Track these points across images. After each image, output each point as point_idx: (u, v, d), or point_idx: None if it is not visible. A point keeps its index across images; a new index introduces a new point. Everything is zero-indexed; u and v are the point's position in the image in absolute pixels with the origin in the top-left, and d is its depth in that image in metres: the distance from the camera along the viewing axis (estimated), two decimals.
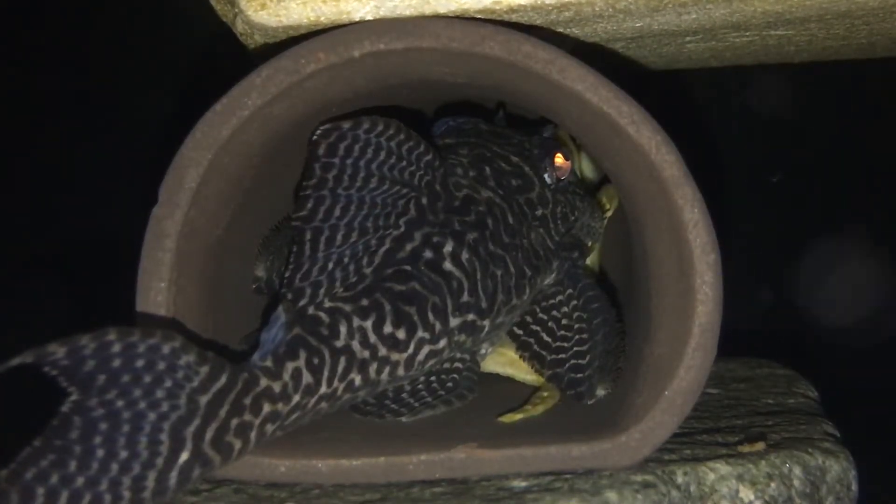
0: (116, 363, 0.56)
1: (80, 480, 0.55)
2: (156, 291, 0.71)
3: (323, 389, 0.66)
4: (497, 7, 0.72)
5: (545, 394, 0.83)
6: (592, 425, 0.73)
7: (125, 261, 0.74)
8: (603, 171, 0.95)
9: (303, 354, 0.65)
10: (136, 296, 0.72)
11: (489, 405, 0.80)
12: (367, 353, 0.69)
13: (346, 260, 0.70)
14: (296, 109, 0.74)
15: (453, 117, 0.91)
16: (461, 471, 0.71)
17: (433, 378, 0.77)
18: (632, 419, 0.71)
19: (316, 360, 0.66)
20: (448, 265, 0.74)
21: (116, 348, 0.56)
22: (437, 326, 0.73)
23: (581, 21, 0.79)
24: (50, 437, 0.56)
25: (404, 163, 0.72)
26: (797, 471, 0.74)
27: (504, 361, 0.88)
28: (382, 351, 0.70)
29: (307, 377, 0.65)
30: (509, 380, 0.88)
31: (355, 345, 0.68)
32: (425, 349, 0.72)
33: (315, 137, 0.68)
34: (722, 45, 0.99)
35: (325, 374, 0.66)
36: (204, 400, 0.59)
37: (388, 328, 0.70)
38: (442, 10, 0.72)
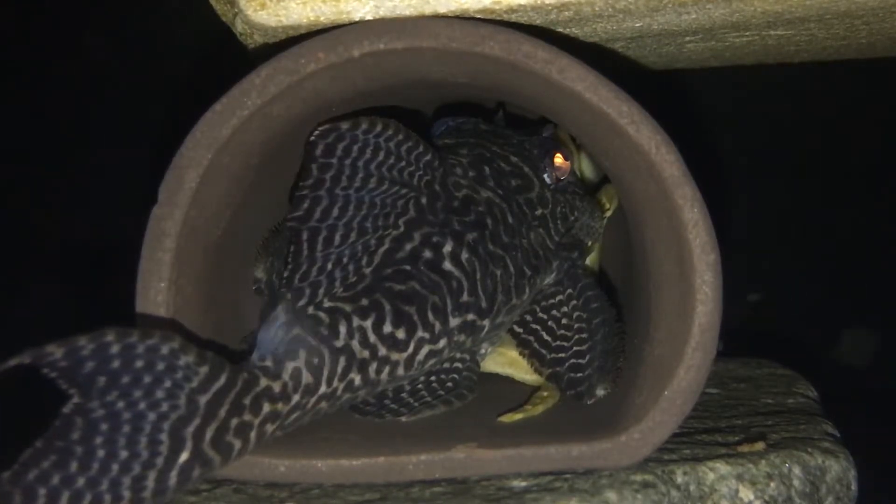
0: (116, 364, 0.56)
1: (80, 481, 0.55)
2: (155, 291, 0.71)
3: (322, 389, 0.66)
4: (497, 7, 0.72)
5: (545, 394, 0.83)
6: (592, 425, 0.73)
7: (125, 261, 0.74)
8: (603, 171, 0.95)
9: (302, 354, 0.65)
10: (135, 296, 0.72)
11: (489, 405, 0.80)
12: (366, 353, 0.69)
13: (345, 260, 0.70)
14: (295, 109, 0.74)
15: (453, 117, 0.91)
16: (461, 471, 0.71)
17: (433, 378, 0.77)
18: (632, 419, 0.71)
19: (315, 360, 0.66)
20: (447, 265, 0.74)
21: (115, 349, 0.56)
22: (437, 326, 0.73)
23: (581, 21, 0.79)
24: (51, 438, 0.56)
25: (403, 163, 0.72)
26: (797, 471, 0.74)
27: (504, 361, 0.88)
28: (382, 351, 0.69)
29: (307, 377, 0.65)
30: (509, 380, 0.88)
31: (355, 344, 0.68)
32: (425, 349, 0.72)
33: (312, 138, 0.68)
34: (722, 45, 0.99)
35: (325, 373, 0.66)
36: (203, 400, 0.59)
37: (387, 328, 0.70)
38: (442, 10, 0.72)
